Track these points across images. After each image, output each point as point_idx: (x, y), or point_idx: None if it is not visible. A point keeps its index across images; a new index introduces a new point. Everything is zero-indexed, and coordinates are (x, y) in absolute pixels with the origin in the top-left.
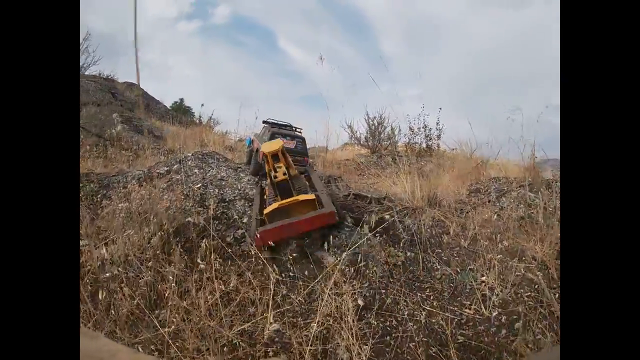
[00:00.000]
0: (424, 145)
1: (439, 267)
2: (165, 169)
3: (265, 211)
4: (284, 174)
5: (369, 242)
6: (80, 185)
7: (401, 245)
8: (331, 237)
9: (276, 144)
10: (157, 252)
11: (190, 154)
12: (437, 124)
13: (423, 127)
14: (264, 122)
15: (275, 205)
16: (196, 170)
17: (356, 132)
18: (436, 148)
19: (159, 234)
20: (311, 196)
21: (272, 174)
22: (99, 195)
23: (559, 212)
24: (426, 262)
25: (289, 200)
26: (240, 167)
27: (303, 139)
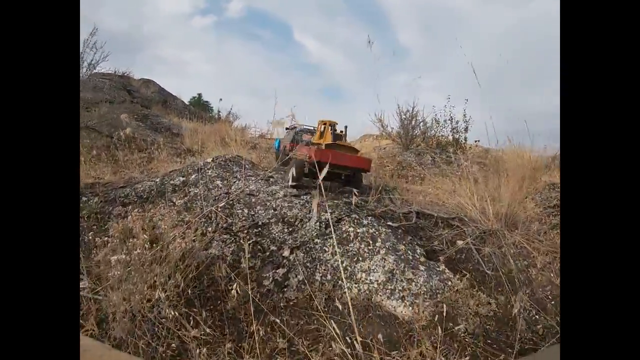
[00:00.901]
0: (450, 138)
1: (537, 316)
2: (181, 179)
3: (327, 142)
4: (341, 131)
5: (449, 283)
6: (84, 198)
7: (488, 286)
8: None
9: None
10: (173, 308)
11: (210, 160)
12: (464, 115)
13: (449, 119)
14: (287, 128)
15: (339, 142)
16: (218, 182)
17: (387, 125)
18: (463, 142)
19: (172, 281)
20: (353, 145)
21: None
22: (102, 215)
23: None
24: (521, 310)
25: (348, 143)
26: (272, 177)
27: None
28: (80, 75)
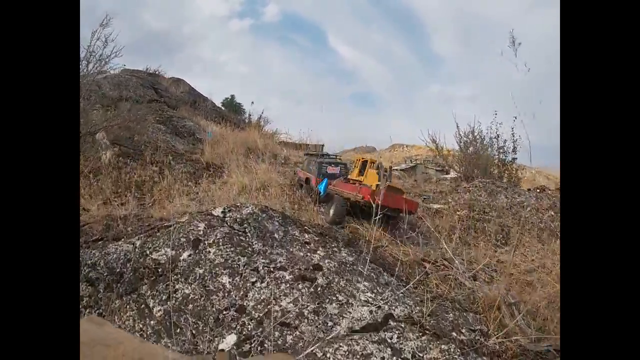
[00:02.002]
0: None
1: None
2: (169, 252)
3: (375, 183)
4: (386, 170)
5: None
6: None
7: None
8: None
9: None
10: None
11: (219, 213)
12: (512, 135)
13: (495, 138)
14: (305, 154)
15: (387, 184)
16: (225, 280)
17: (441, 147)
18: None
19: None
20: (401, 187)
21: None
22: None
23: None
24: None
25: (395, 184)
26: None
27: (345, 165)
28: (88, 71)
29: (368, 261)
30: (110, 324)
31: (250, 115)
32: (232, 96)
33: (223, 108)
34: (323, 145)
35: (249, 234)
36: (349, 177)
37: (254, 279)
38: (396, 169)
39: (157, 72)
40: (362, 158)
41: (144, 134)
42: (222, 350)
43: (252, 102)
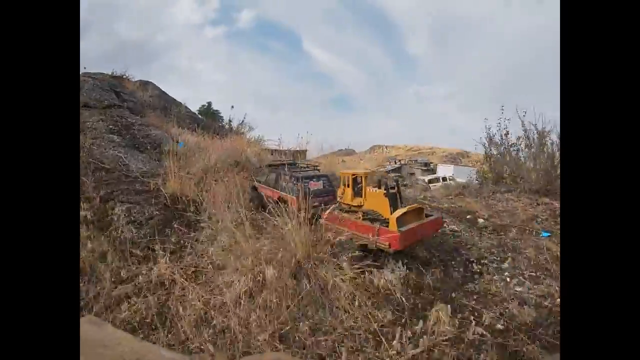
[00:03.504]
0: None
1: None
2: None
3: (396, 215)
4: (392, 187)
5: None
6: None
7: None
8: None
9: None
10: None
11: None
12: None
13: (505, 134)
14: (267, 165)
15: (404, 209)
16: None
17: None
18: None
19: None
20: (419, 205)
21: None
22: None
23: None
24: None
25: (413, 206)
26: None
27: (327, 177)
28: None
29: None
30: (109, 324)
31: (230, 121)
32: (209, 103)
33: (200, 116)
34: (306, 151)
35: None
36: (339, 199)
37: None
38: (382, 171)
39: (123, 76)
40: (353, 173)
41: (84, 148)
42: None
43: (232, 107)
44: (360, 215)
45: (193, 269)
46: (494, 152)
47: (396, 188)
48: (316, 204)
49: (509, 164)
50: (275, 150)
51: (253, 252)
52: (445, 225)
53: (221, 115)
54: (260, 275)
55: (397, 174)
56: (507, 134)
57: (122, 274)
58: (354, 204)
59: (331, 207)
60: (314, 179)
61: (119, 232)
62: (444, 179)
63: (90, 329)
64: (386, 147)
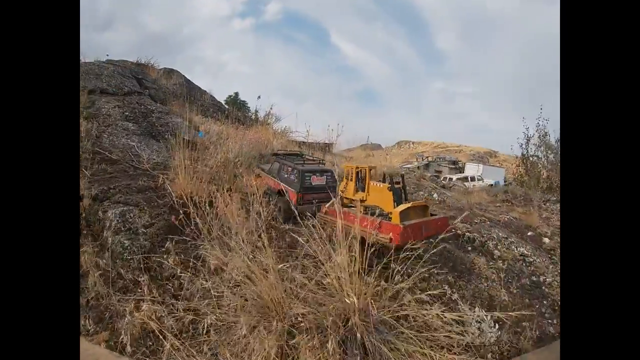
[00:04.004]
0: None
1: None
2: None
3: (400, 209)
4: (397, 182)
5: None
6: None
7: None
8: None
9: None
10: None
11: None
12: None
13: (543, 135)
14: (273, 154)
15: (409, 204)
16: None
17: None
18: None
19: None
20: (424, 202)
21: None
22: None
23: None
24: None
25: (419, 202)
26: None
27: (331, 172)
28: None
29: None
30: (87, 341)
31: (257, 111)
32: (236, 93)
33: (226, 106)
34: (333, 144)
35: None
36: (340, 193)
37: None
38: (408, 167)
39: (142, 62)
40: (357, 166)
41: (91, 137)
42: None
43: (259, 97)
44: (362, 210)
45: (190, 316)
46: (532, 153)
47: (401, 183)
48: (315, 200)
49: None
50: (303, 142)
51: (278, 302)
52: (512, 247)
53: (248, 106)
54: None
55: (434, 174)
56: (545, 134)
57: (100, 309)
58: (356, 199)
59: (331, 201)
60: (317, 174)
61: (108, 242)
62: (473, 178)
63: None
64: (412, 142)
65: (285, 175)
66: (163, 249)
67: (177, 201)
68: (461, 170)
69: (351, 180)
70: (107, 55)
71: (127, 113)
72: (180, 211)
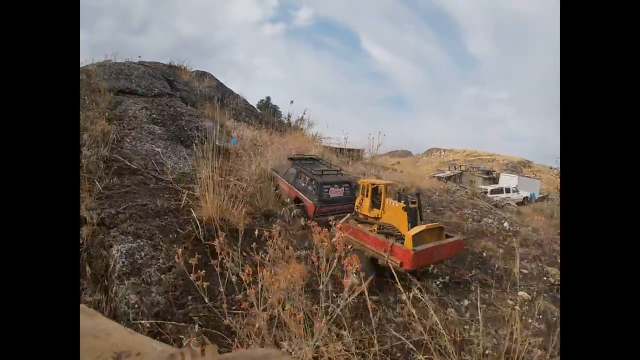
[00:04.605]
0: None
1: None
2: None
3: (413, 232)
4: (413, 202)
5: None
6: None
7: None
8: None
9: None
10: None
11: None
12: None
13: None
14: (289, 158)
15: (423, 227)
16: None
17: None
18: None
19: None
20: (439, 224)
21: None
22: None
23: None
24: None
25: (433, 224)
26: None
27: (349, 183)
28: None
29: None
30: (101, 315)
31: (289, 116)
32: (268, 97)
33: (259, 110)
34: (361, 150)
35: None
36: (356, 209)
37: None
38: (440, 177)
39: (175, 65)
40: (373, 183)
41: (109, 141)
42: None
43: (292, 102)
44: (375, 228)
45: None
46: None
47: (417, 203)
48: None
49: None
50: (340, 149)
51: None
52: None
53: (280, 110)
54: None
55: (462, 185)
56: None
57: None
58: (371, 215)
59: (347, 216)
60: (335, 185)
61: (111, 292)
62: (508, 189)
63: (81, 318)
64: (444, 150)
65: (303, 184)
66: (182, 311)
67: (203, 231)
68: (495, 180)
69: (367, 196)
70: (139, 57)
71: (154, 115)
72: (208, 251)
